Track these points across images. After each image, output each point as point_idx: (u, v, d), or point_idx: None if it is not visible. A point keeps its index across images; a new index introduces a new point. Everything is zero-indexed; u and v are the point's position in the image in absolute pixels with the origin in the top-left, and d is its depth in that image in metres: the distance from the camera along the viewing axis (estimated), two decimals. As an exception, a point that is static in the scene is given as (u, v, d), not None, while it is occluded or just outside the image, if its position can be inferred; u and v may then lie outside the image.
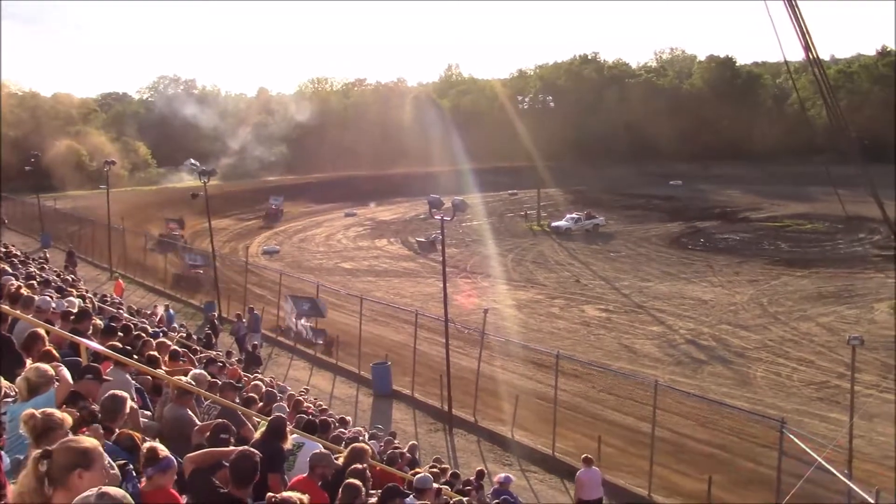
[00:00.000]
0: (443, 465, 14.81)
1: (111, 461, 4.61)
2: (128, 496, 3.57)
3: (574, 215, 65.78)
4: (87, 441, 4.01)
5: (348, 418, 17.13)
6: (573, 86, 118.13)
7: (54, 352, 7.25)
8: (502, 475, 15.06)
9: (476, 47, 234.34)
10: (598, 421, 23.71)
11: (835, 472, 15.61)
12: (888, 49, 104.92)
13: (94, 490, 3.48)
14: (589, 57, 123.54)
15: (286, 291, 33.90)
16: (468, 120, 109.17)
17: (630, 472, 19.93)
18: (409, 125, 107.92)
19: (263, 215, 73.06)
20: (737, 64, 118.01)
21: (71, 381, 6.37)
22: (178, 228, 55.74)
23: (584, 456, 16.87)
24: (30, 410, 4.88)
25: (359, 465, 7.63)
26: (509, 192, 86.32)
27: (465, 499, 9.69)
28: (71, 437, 4.16)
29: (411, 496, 8.10)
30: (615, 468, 19.90)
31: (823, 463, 15.13)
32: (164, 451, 5.49)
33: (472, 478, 15.02)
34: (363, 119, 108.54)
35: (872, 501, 14.69)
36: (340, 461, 8.12)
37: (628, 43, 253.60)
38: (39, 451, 3.85)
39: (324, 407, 18.54)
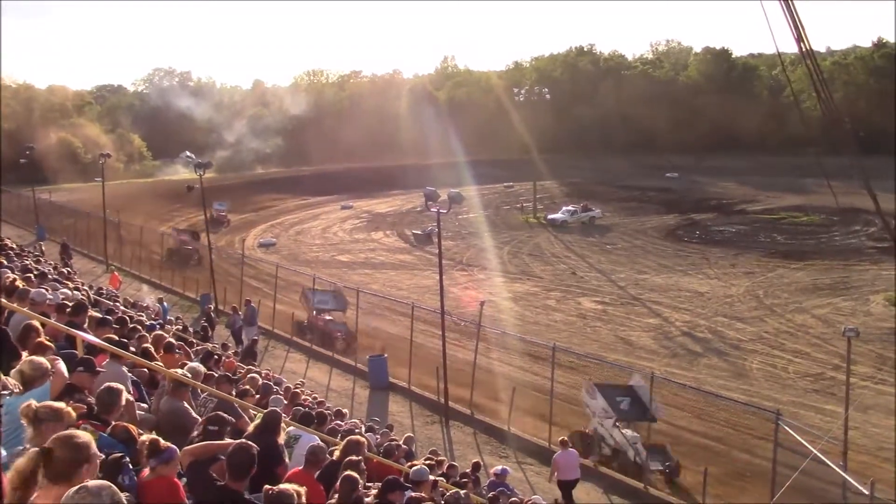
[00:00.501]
0: (439, 458, 14.82)
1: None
2: (111, 487, 3.58)
3: (570, 207, 65.81)
4: (84, 435, 4.03)
5: (345, 411, 17.12)
6: (569, 78, 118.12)
7: (47, 343, 7.20)
8: (499, 467, 15.10)
9: (472, 39, 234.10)
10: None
11: (830, 463, 15.67)
12: (884, 41, 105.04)
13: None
14: (585, 49, 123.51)
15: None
16: (464, 112, 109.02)
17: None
18: (404, 117, 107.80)
19: (209, 220, 63.58)
20: (732, 56, 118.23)
21: (66, 374, 6.35)
22: (190, 242, 47.72)
23: (560, 438, 17.23)
24: (29, 402, 4.88)
25: (354, 457, 7.63)
26: (505, 184, 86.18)
27: (461, 491, 9.69)
28: (68, 432, 4.17)
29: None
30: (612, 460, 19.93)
31: (819, 455, 15.18)
32: (165, 442, 5.52)
33: (468, 470, 15.02)
34: (359, 111, 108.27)
35: (867, 493, 14.75)
36: (337, 454, 8.12)
37: (624, 35, 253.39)
38: (38, 449, 3.86)
39: (320, 399, 18.54)
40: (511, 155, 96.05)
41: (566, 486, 16.80)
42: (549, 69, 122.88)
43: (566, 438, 17.09)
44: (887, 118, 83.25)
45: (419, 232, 58.04)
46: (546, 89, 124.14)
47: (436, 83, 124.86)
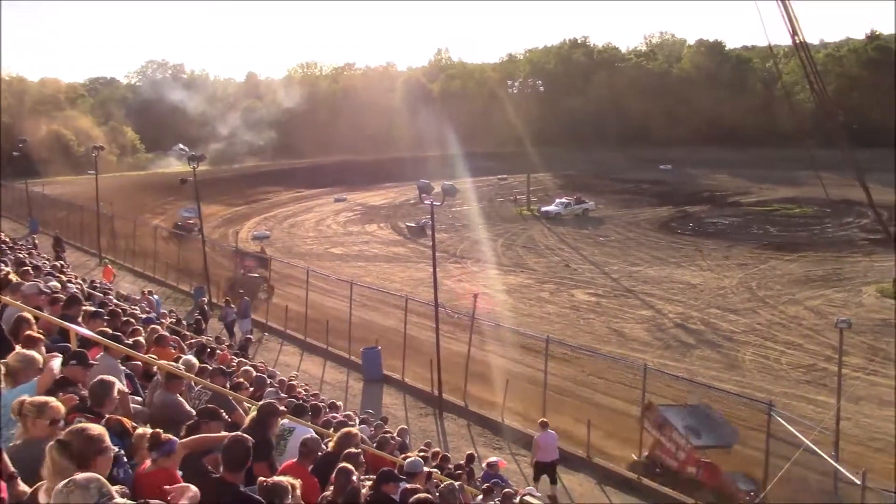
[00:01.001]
0: (433, 449, 14.87)
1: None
2: (100, 479, 3.59)
3: (564, 200, 65.93)
4: (96, 427, 4.12)
5: (339, 403, 17.15)
6: (563, 70, 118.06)
7: (37, 335, 7.16)
8: (492, 458, 15.15)
9: (465, 31, 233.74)
10: (588, 404, 23.78)
11: (822, 454, 15.75)
12: (877, 33, 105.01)
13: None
14: (578, 41, 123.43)
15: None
16: (458, 104, 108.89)
17: (620, 455, 20.04)
18: (398, 110, 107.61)
19: (173, 228, 52.42)
20: (726, 48, 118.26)
21: (56, 370, 6.31)
22: (255, 268, 38.64)
23: (540, 420, 17.56)
24: (21, 398, 4.88)
25: (353, 450, 7.64)
26: (499, 176, 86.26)
27: (455, 483, 9.72)
28: (81, 425, 4.23)
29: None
30: (605, 451, 20.01)
31: (811, 445, 15.26)
32: (166, 434, 5.53)
33: (462, 461, 15.08)
34: (352, 104, 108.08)
35: (859, 483, 14.83)
36: (331, 445, 8.13)
37: (618, 27, 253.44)
38: (55, 442, 4.00)
39: (314, 392, 18.55)
40: (505, 147, 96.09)
41: (543, 469, 17.12)
42: (542, 61, 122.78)
43: (546, 420, 17.30)
44: (881, 111, 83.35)
45: (413, 224, 57.98)
46: (540, 81, 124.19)
47: (429, 75, 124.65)
